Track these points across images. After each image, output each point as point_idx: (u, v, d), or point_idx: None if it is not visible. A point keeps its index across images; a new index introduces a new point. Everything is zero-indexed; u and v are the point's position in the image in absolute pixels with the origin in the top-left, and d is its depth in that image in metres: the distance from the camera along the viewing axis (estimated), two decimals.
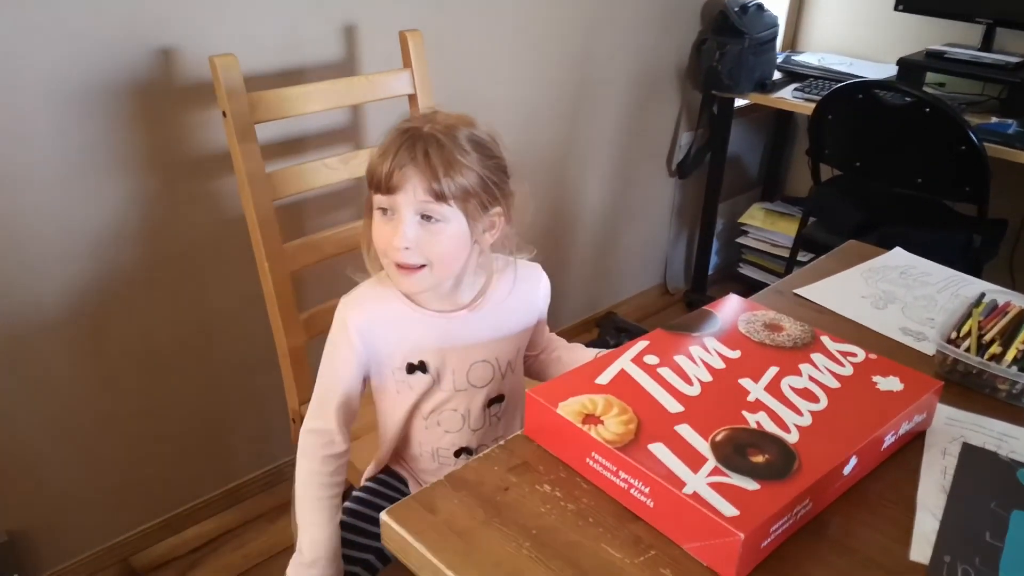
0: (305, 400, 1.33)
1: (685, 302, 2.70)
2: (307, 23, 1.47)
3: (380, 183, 0.92)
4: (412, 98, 1.44)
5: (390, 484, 1.12)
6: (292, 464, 1.05)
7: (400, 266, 0.94)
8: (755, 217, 2.69)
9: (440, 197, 0.90)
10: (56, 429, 1.42)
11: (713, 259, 2.73)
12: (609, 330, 2.36)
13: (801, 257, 2.34)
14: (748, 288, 2.61)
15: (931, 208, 2.14)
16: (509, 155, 0.98)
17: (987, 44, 2.22)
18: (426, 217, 0.92)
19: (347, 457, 1.04)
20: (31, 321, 1.33)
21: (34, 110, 1.23)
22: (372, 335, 0.99)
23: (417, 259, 0.93)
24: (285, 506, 1.74)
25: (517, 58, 1.88)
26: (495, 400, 1.07)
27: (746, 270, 2.75)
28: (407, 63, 1.42)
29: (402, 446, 1.11)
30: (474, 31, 1.76)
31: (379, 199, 0.93)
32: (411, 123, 0.93)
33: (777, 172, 2.88)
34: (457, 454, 1.07)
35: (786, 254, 2.48)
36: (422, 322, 1.00)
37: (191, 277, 1.49)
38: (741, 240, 2.72)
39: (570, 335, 2.39)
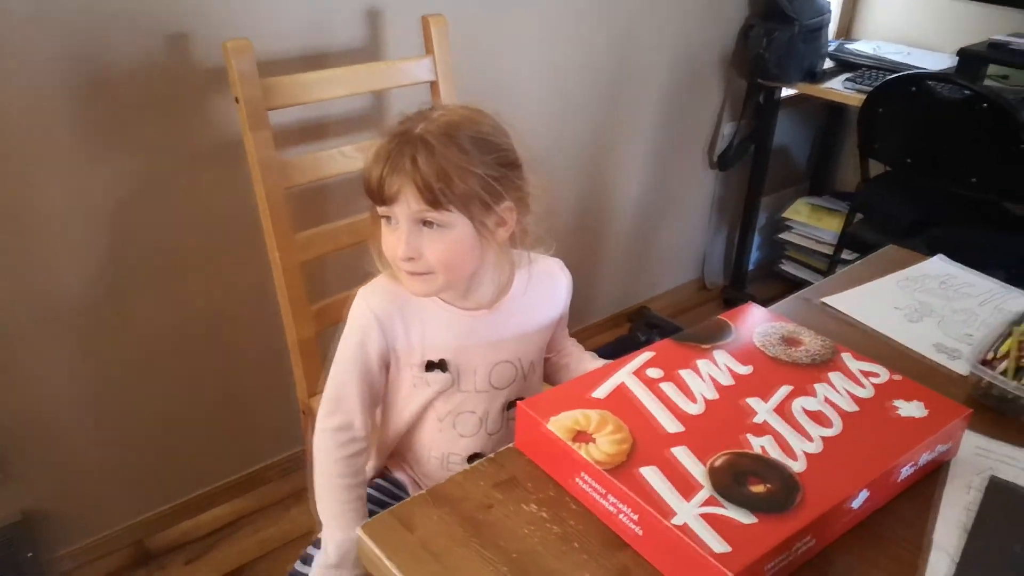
0: (315, 392, 1.31)
1: (723, 298, 2.62)
2: (330, 6, 1.43)
3: (374, 193, 0.88)
4: (434, 85, 1.40)
5: (388, 491, 1.07)
6: (309, 452, 1.01)
7: (408, 271, 0.91)
8: (799, 212, 2.58)
9: (436, 205, 0.86)
10: (72, 411, 1.43)
11: (754, 255, 2.63)
12: (640, 326, 2.30)
13: (845, 256, 2.24)
14: (788, 285, 2.52)
15: (986, 209, 2.02)
16: (520, 144, 0.93)
17: None
18: (427, 223, 0.88)
19: (367, 450, 1.00)
20: (47, 306, 1.33)
21: (47, 96, 1.21)
22: (392, 325, 0.95)
23: (423, 267, 0.89)
24: (301, 493, 1.73)
25: (549, 44, 1.82)
26: (514, 403, 1.02)
27: (787, 267, 2.66)
28: (429, 49, 1.38)
29: (405, 448, 1.06)
30: (505, 16, 1.70)
31: (379, 208, 0.90)
32: (404, 124, 0.89)
33: (826, 166, 2.77)
34: (470, 460, 1.02)
35: (830, 252, 2.38)
36: (445, 318, 0.96)
37: (208, 263, 1.48)
38: (783, 236, 2.62)
39: (601, 329, 2.34)
